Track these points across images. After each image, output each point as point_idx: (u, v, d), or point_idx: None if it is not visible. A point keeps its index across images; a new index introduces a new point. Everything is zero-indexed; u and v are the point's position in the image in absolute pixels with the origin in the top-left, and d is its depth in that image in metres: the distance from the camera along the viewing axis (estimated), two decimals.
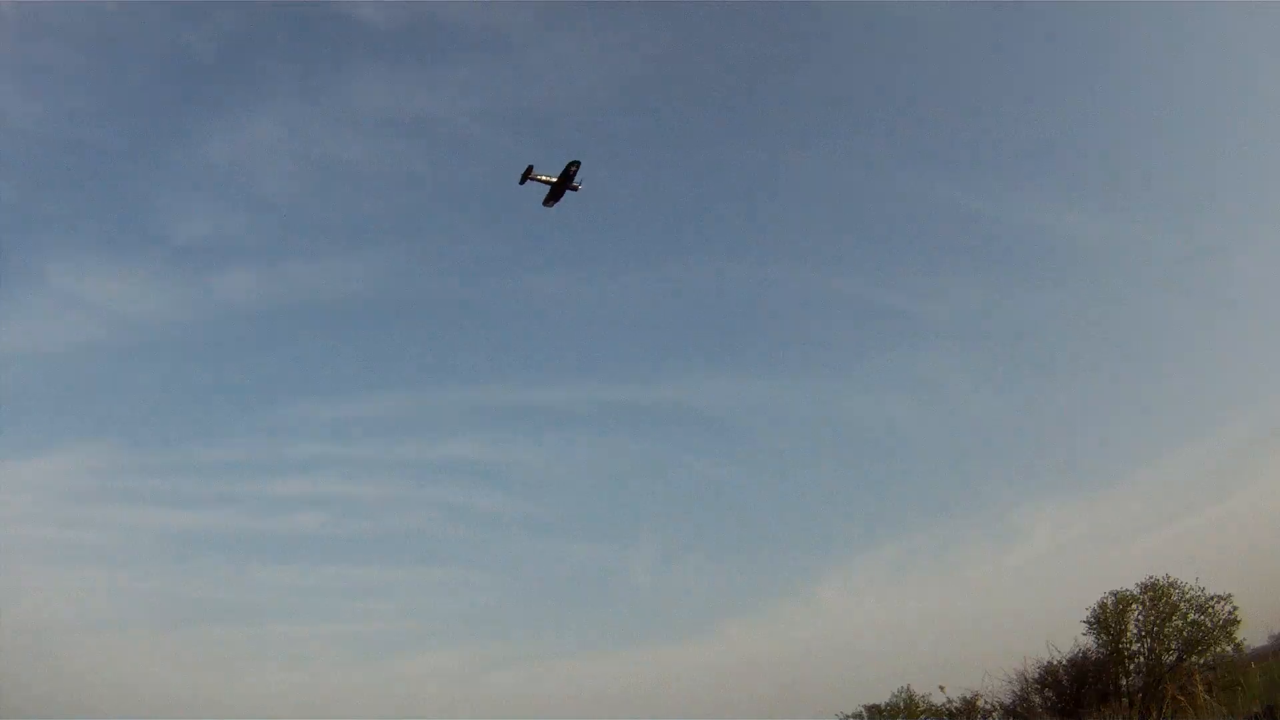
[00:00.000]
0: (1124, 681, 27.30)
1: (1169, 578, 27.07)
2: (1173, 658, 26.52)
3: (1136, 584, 27.47)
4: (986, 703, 30.34)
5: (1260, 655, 28.37)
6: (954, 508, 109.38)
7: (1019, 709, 29.40)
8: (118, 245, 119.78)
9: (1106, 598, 27.69)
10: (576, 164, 31.19)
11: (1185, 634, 26.16)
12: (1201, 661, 26.35)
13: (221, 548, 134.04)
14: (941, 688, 31.67)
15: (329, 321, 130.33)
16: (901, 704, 31.82)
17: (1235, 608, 25.99)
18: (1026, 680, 28.92)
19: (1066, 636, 29.68)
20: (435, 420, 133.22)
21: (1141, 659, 26.83)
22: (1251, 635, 27.05)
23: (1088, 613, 27.88)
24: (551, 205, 32.10)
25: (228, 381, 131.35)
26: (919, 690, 31.93)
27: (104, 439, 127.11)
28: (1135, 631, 26.94)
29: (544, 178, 31.33)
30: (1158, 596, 26.70)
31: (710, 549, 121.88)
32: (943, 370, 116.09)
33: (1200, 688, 25.43)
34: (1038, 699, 28.94)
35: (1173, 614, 26.26)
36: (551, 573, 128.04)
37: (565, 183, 31.64)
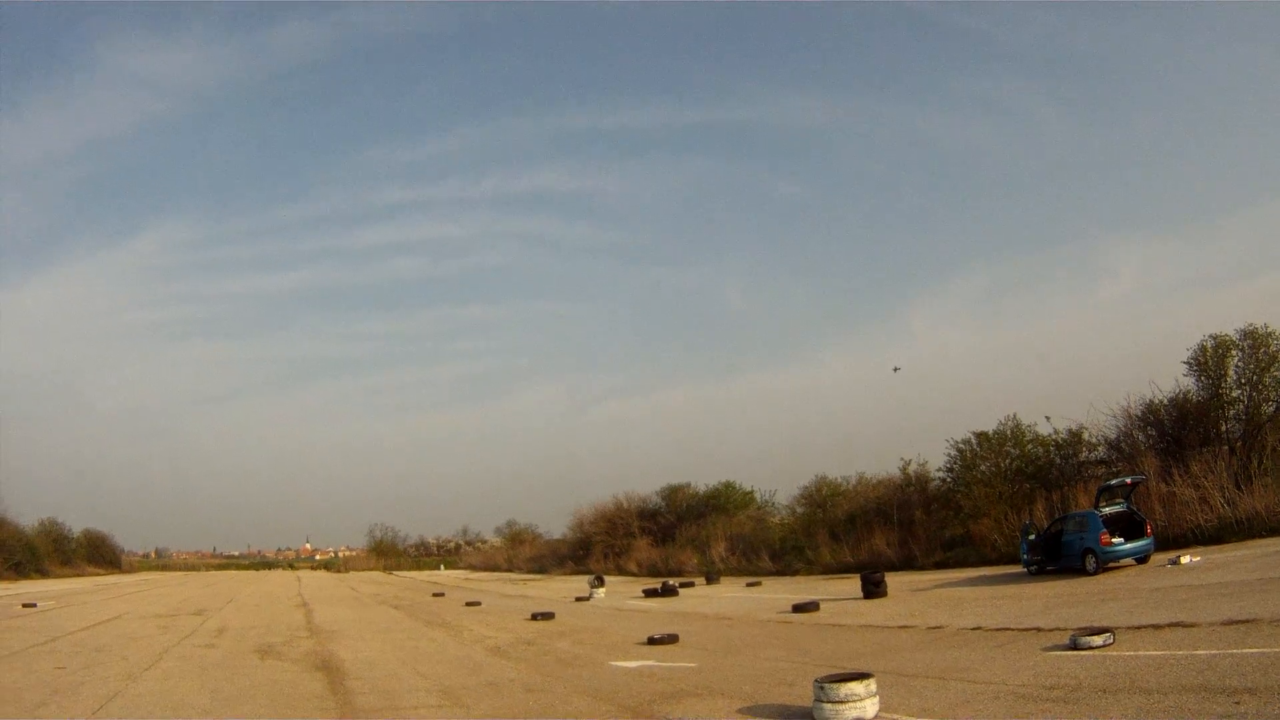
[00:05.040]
0: (1224, 427, 26.87)
1: (1268, 326, 25.72)
2: (1272, 408, 26.04)
3: (1235, 330, 26.23)
4: (1092, 436, 30.09)
5: None
6: (1041, 240, 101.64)
7: (1123, 445, 29.11)
8: (164, 12, 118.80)
9: (1206, 340, 26.75)
10: None
11: None
12: None
13: (320, 304, 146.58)
14: (1047, 418, 31.30)
15: (393, 60, 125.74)
16: (1009, 432, 31.49)
17: None
18: (1130, 416, 28.92)
19: (1166, 377, 29.07)
20: (514, 151, 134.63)
21: (1241, 406, 26.41)
22: None
23: (1188, 354, 27.09)
24: None
25: (298, 136, 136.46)
26: (1024, 420, 31.66)
27: (185, 213, 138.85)
28: (1234, 378, 26.32)
29: None
30: (1257, 344, 25.71)
31: (797, 270, 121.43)
32: (1023, 96, 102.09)
33: None
34: (1141, 436, 28.84)
35: (1272, 364, 25.65)
36: (645, 299, 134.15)
37: None
